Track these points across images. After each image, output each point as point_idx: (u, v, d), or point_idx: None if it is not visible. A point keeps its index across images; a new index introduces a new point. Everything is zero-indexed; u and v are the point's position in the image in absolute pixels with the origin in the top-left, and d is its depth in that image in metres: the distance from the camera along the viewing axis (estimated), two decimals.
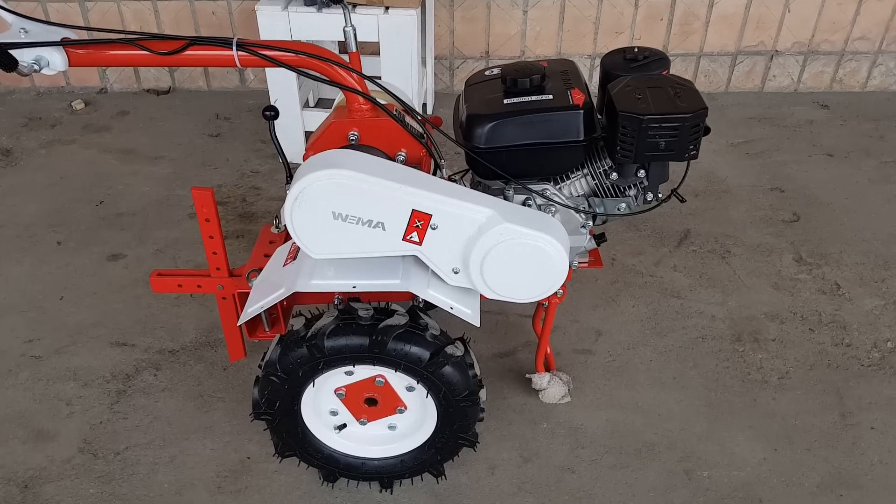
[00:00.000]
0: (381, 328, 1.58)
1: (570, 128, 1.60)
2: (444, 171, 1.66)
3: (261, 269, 1.83)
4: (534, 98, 1.62)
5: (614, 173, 1.68)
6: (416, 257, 1.55)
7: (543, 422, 2.05)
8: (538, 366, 2.05)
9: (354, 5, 2.85)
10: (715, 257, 2.68)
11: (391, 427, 1.82)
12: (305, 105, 3.41)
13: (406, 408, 1.76)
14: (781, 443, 2.00)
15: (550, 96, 1.62)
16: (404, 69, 2.94)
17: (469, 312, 1.61)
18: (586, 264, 1.88)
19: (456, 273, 1.57)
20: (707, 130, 1.58)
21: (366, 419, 1.79)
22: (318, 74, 1.60)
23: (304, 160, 1.69)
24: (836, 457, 1.96)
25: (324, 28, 2.88)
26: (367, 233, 1.51)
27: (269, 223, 2.13)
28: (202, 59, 1.58)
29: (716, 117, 3.64)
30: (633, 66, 1.70)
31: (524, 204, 1.68)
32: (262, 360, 1.67)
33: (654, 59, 1.71)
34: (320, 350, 1.59)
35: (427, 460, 1.81)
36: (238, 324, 1.70)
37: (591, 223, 1.75)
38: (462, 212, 1.49)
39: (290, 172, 1.75)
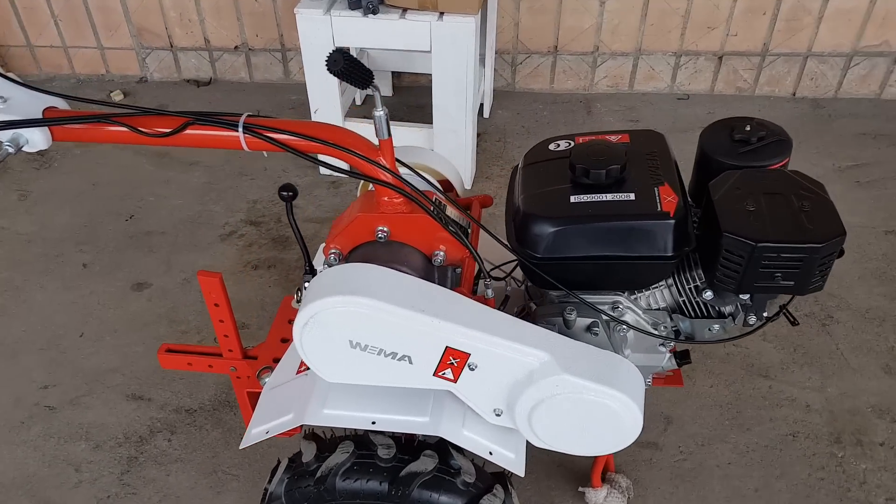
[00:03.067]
0: (403, 475, 1.30)
1: (656, 241, 1.24)
2: (488, 282, 1.34)
3: (274, 366, 1.57)
4: (610, 198, 1.27)
5: (708, 291, 1.32)
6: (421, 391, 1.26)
7: None
8: (594, 478, 1.75)
9: (404, 10, 2.48)
10: (814, 324, 2.28)
11: None
12: (351, 107, 3.10)
13: None
14: None
15: (633, 196, 1.27)
16: (459, 80, 2.58)
17: (512, 458, 1.31)
18: (662, 381, 1.55)
19: (498, 415, 1.27)
20: (841, 253, 1.21)
21: None
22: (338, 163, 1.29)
23: (323, 253, 1.41)
24: None
25: (370, 35, 2.54)
26: (390, 365, 1.22)
27: (291, 290, 1.88)
28: (204, 139, 1.29)
29: (821, 130, 3.14)
30: (743, 150, 1.32)
31: (589, 330, 1.34)
32: (268, 481, 1.42)
33: (771, 142, 1.33)
34: (331, 493, 1.32)
35: None
36: (240, 447, 1.45)
37: (672, 340, 1.41)
38: (509, 353, 1.19)
39: (309, 261, 1.47)
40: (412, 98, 3.45)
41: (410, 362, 1.22)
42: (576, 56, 3.36)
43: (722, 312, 1.37)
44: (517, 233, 1.32)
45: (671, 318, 1.39)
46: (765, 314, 1.37)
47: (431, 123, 2.76)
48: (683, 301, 1.37)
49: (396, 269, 1.33)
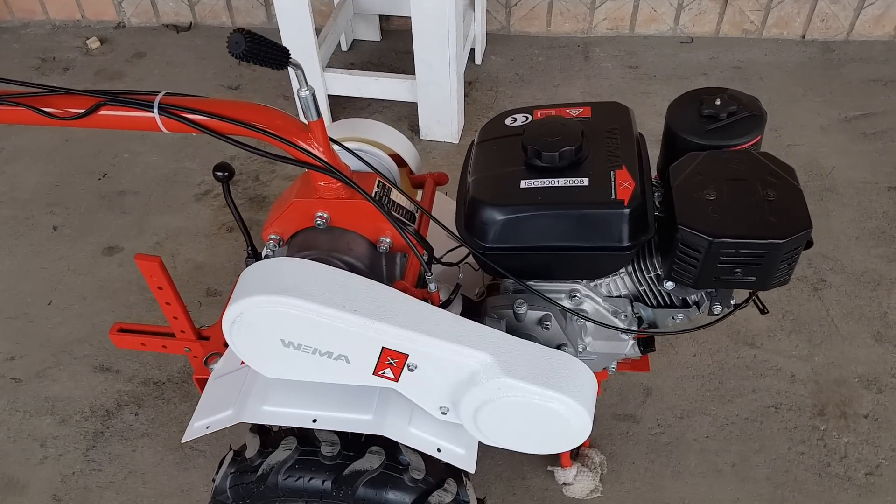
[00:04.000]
0: (347, 473, 1.25)
1: (609, 230, 1.14)
2: (430, 275, 1.25)
3: (223, 351, 1.51)
4: (563, 183, 1.17)
5: (669, 282, 1.23)
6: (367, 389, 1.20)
7: None
8: (563, 457, 1.70)
9: None
10: (805, 289, 2.18)
11: None
12: (334, 56, 2.95)
13: None
14: None
15: (586, 181, 1.16)
16: (440, 29, 2.42)
17: (462, 453, 1.26)
18: (628, 366, 1.48)
19: (444, 413, 1.21)
20: (809, 244, 1.10)
21: None
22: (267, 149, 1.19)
23: (263, 238, 1.33)
24: None
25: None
26: (327, 363, 1.16)
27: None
28: (119, 121, 1.19)
29: (829, 77, 2.96)
30: (711, 127, 1.20)
31: (540, 323, 1.26)
32: (215, 473, 1.38)
33: (742, 118, 1.20)
34: (273, 490, 1.28)
35: None
36: (182, 441, 1.41)
37: (631, 332, 1.32)
38: (448, 355, 1.11)
39: (252, 245, 1.39)
40: (401, 43, 3.28)
41: (347, 361, 1.15)
42: None
43: (686, 301, 1.28)
44: (466, 219, 1.23)
45: (632, 306, 1.30)
46: (732, 302, 1.28)
47: (411, 74, 2.62)
48: (644, 290, 1.28)
49: (338, 258, 1.26)
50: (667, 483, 1.78)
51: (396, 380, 1.17)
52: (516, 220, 1.16)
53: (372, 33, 3.27)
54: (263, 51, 1.02)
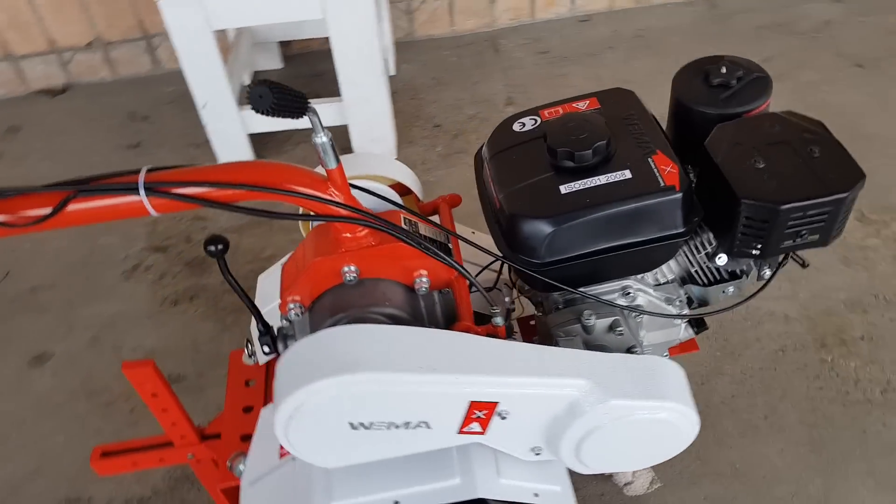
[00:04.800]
0: None
1: (665, 219, 1.09)
2: (496, 310, 1.14)
3: (244, 447, 1.34)
4: (605, 180, 1.10)
5: (722, 256, 1.19)
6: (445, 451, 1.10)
7: None
8: None
9: None
10: None
11: None
12: (246, 93, 2.75)
13: None
14: None
15: (628, 173, 1.10)
16: (363, 44, 2.31)
17: (559, 491, 1.17)
18: (678, 349, 1.44)
19: (538, 454, 1.11)
20: None
21: None
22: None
23: (281, 310, 1.17)
24: None
25: (252, 9, 2.22)
26: (404, 435, 1.04)
27: (223, 323, 1.62)
28: (95, 213, 1.01)
29: (722, 31, 3.09)
30: (725, 96, 1.18)
31: (612, 330, 1.19)
32: None
33: (751, 80, 1.19)
34: None
35: None
36: None
37: (686, 317, 1.28)
38: (543, 391, 1.02)
39: (262, 320, 1.23)
40: (307, 66, 3.13)
41: (428, 427, 1.03)
42: None
43: (735, 273, 1.25)
44: (507, 238, 1.14)
45: (683, 289, 1.26)
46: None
47: (336, 95, 2.48)
48: (696, 271, 1.24)
49: (378, 313, 1.13)
50: (712, 453, 1.77)
51: (484, 433, 1.06)
52: (568, 228, 1.09)
53: (273, 61, 3.10)
54: (288, 100, 0.88)
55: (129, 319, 2.23)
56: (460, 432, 1.05)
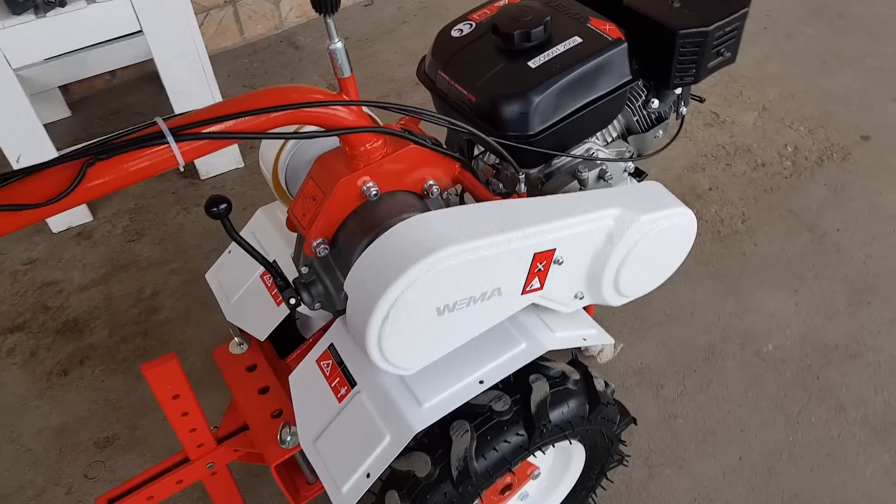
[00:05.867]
0: (534, 412, 1.19)
1: (620, 69, 1.27)
2: (522, 176, 1.22)
3: (287, 417, 1.27)
4: (562, 48, 1.24)
5: (655, 100, 1.40)
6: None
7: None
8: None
9: None
10: None
11: (523, 497, 1.47)
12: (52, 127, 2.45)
13: (539, 469, 1.43)
14: (793, 281, 2.05)
15: (578, 38, 1.25)
16: (187, 52, 2.20)
17: (596, 333, 1.29)
18: None
19: (581, 298, 1.22)
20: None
21: None
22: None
23: (306, 252, 1.15)
24: (839, 270, 2.07)
25: (55, 39, 2.00)
26: (478, 309, 1.08)
27: (216, 343, 1.51)
28: (118, 177, 0.91)
29: None
30: None
31: (602, 178, 1.33)
32: None
33: None
34: (473, 482, 1.16)
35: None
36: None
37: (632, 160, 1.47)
38: (588, 227, 1.13)
39: (283, 276, 1.19)
40: (100, 107, 2.88)
41: (499, 294, 1.09)
42: None
43: (661, 116, 1.47)
44: (497, 122, 1.22)
45: (626, 141, 1.45)
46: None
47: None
48: (636, 119, 1.43)
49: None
50: (645, 311, 2.01)
51: (542, 287, 1.14)
52: (548, 95, 1.21)
53: (59, 111, 2.79)
54: None
55: (14, 408, 1.92)
56: (524, 293, 1.12)
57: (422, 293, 0.99)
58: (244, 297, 1.42)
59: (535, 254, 1.08)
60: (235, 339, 1.40)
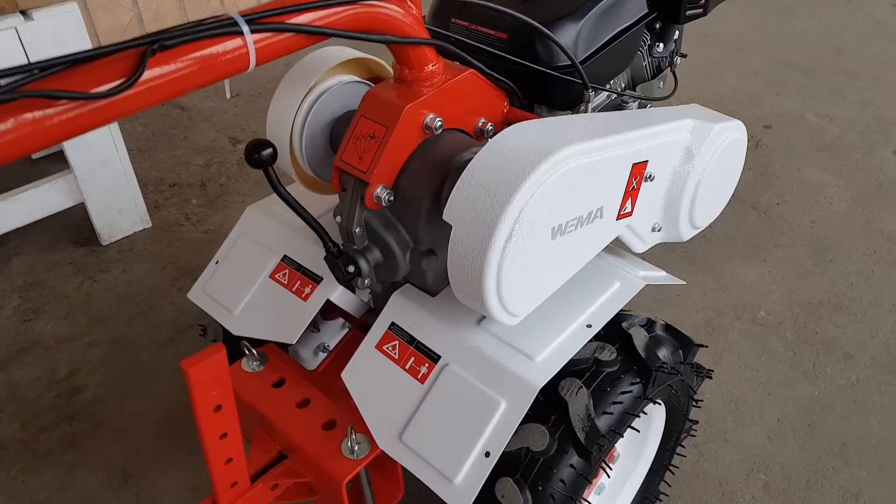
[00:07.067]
0: (644, 357, 1.04)
1: (639, 2, 1.23)
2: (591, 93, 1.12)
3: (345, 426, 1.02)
4: None
5: (660, 44, 1.38)
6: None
7: None
8: None
9: None
10: None
11: (598, 492, 1.28)
12: None
13: (616, 451, 1.26)
14: (758, 252, 2.08)
15: None
16: None
17: (664, 275, 1.19)
18: None
19: (658, 230, 1.12)
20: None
21: None
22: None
23: (369, 200, 0.96)
24: (794, 237, 2.14)
25: None
26: (582, 237, 0.96)
27: (164, 416, 1.21)
28: (186, 74, 0.69)
29: None
30: None
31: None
32: None
33: None
34: (601, 444, 0.97)
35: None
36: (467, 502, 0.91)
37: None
38: (671, 137, 1.04)
39: (331, 238, 0.98)
40: None
41: (601, 216, 0.96)
42: None
43: (660, 65, 1.45)
44: (536, 54, 1.12)
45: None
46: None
47: (62, 169, 2.00)
48: (645, 64, 1.40)
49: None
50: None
51: (632, 212, 1.03)
52: (590, 19, 1.15)
53: None
54: None
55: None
56: (618, 217, 1.00)
57: (543, 205, 0.84)
58: (253, 305, 1.16)
59: (632, 164, 0.97)
60: (247, 353, 1.13)
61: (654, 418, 1.25)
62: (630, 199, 1.01)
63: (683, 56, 1.58)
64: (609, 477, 1.26)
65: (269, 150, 0.88)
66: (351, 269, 0.97)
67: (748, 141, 2.55)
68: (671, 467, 1.38)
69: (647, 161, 1.00)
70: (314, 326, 1.40)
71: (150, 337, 1.85)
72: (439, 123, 0.97)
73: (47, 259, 2.12)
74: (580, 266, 0.99)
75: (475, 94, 1.03)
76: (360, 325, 1.20)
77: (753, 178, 2.40)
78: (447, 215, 0.86)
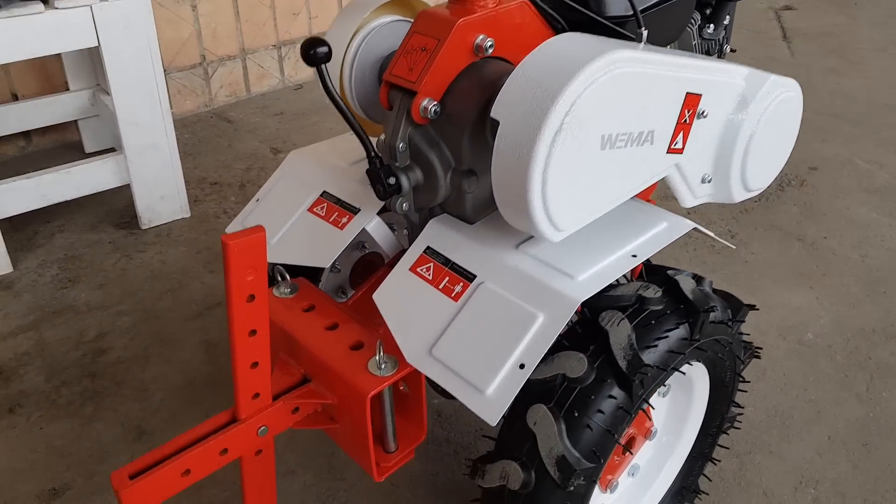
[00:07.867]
0: (691, 299, 1.00)
1: None
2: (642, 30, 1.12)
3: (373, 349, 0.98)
4: None
5: (710, 25, 1.38)
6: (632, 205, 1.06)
7: None
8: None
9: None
10: None
11: (631, 473, 1.20)
12: None
13: (654, 426, 1.18)
14: (804, 280, 2.01)
15: None
16: (144, 76, 1.99)
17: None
18: None
19: (707, 182, 1.09)
20: None
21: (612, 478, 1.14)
22: None
23: (414, 118, 0.96)
24: (842, 268, 2.06)
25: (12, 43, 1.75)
26: (632, 159, 0.93)
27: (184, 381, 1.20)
28: None
29: None
30: None
31: None
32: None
33: None
34: (644, 374, 0.91)
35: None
36: (497, 419, 0.85)
37: None
38: (724, 77, 1.03)
39: (374, 148, 0.97)
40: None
41: (651, 142, 0.94)
42: (184, 71, 2.93)
43: (709, 49, 1.45)
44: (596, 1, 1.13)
45: None
46: None
47: (112, 149, 2.06)
48: (695, 44, 1.40)
49: None
50: None
51: (683, 150, 1.00)
52: None
53: None
54: None
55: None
56: (669, 150, 0.97)
57: (594, 103, 0.83)
58: (290, 235, 1.14)
59: (686, 93, 0.95)
60: (279, 280, 1.11)
61: (697, 388, 1.18)
62: (682, 134, 0.98)
63: (733, 51, 1.58)
64: (654, 436, 1.17)
65: (325, 49, 0.89)
66: (392, 180, 0.96)
67: (793, 180, 2.53)
68: (713, 459, 1.29)
69: (700, 95, 0.98)
70: (342, 292, 1.38)
71: (179, 311, 1.84)
72: (490, 43, 0.97)
73: (88, 237, 2.15)
74: (628, 193, 0.96)
75: (526, 25, 1.03)
76: (392, 265, 1.18)
77: (798, 212, 2.34)
78: (495, 111, 0.85)
